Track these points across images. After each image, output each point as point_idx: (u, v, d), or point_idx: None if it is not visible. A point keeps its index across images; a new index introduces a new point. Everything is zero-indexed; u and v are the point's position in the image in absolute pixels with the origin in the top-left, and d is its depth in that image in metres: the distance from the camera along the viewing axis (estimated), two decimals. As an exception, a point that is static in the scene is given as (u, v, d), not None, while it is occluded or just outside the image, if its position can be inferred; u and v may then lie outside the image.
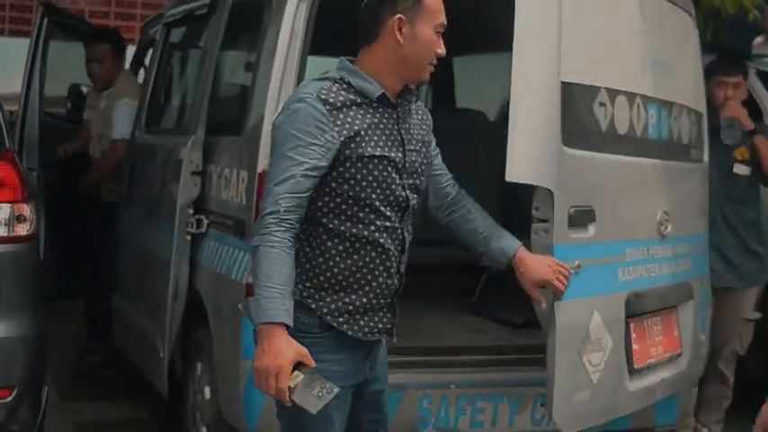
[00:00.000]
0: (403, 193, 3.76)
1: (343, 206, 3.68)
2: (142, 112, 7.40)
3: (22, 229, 5.22)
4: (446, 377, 5.22)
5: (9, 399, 5.12)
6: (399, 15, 3.67)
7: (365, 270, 3.72)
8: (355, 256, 3.70)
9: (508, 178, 4.36)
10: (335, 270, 3.71)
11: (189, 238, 5.71)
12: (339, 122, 3.63)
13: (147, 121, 7.37)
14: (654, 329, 5.16)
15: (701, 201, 5.59)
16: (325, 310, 3.72)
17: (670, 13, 5.31)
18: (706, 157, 5.74)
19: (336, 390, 3.48)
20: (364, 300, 3.74)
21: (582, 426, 4.68)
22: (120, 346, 7.34)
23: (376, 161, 3.67)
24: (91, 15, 12.06)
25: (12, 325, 5.17)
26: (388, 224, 3.73)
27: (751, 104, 7.50)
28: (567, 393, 4.54)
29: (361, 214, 3.68)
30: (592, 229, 4.61)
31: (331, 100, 3.63)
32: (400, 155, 3.74)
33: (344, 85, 3.68)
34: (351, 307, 3.72)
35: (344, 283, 3.71)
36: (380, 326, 3.83)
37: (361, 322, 3.76)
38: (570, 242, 4.50)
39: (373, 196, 3.69)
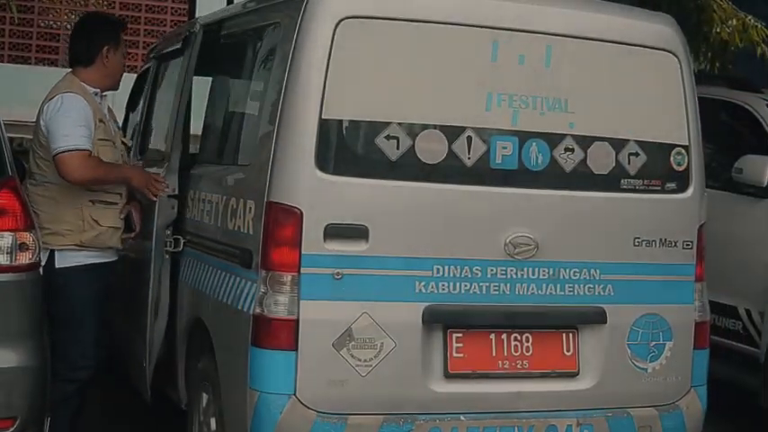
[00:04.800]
0: None
1: None
2: (137, 140, 7.47)
3: (25, 258, 5.20)
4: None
5: (11, 429, 5.09)
6: None
7: None
8: None
9: (268, 199, 5.02)
10: None
11: (167, 256, 5.99)
12: None
13: (140, 148, 7.44)
14: (510, 344, 5.35)
15: (642, 230, 5.60)
16: None
17: (599, 52, 5.52)
18: (690, 189, 5.74)
19: None
20: None
21: (349, 409, 5.06)
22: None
23: None
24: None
25: (15, 355, 5.14)
26: None
27: (762, 136, 7.53)
28: (315, 378, 5.01)
29: None
30: (364, 243, 5.02)
31: None
32: None
33: None
34: None
35: None
36: None
37: None
38: (327, 252, 4.99)
39: None
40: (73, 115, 5.94)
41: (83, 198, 6.04)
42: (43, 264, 5.57)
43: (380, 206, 5.10)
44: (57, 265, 5.92)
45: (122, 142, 6.45)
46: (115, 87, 6.43)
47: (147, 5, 12.72)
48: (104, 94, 6.33)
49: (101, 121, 6.12)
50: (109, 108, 6.43)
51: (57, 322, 5.85)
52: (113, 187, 6.15)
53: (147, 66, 8.11)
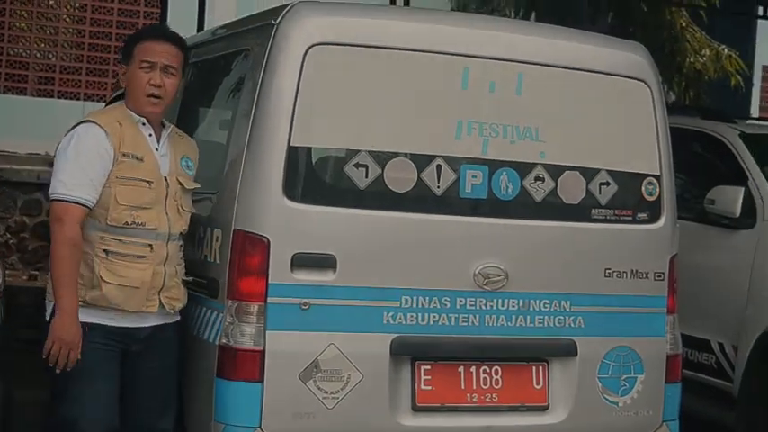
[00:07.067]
0: None
1: None
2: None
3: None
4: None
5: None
6: None
7: None
8: None
9: (235, 227, 4.96)
10: None
11: None
12: None
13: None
14: (479, 376, 5.30)
15: (613, 260, 5.54)
16: None
17: (570, 80, 5.49)
18: (662, 219, 5.69)
19: None
20: None
21: None
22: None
23: None
24: (62, 71, 11.97)
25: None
26: None
27: (735, 167, 7.49)
28: (281, 411, 4.94)
29: None
30: (332, 273, 4.97)
31: None
32: None
33: None
34: None
35: None
36: None
37: None
38: (294, 282, 4.93)
39: None
40: (71, 155, 4.92)
41: (95, 245, 4.94)
42: (48, 317, 4.91)
43: (349, 235, 5.04)
44: None
45: (178, 181, 5.15)
46: (141, 113, 5.11)
47: (118, 13, 12.68)
48: (162, 121, 5.24)
49: (125, 155, 4.96)
50: (181, 140, 5.35)
51: (54, 394, 4.95)
52: (140, 234, 4.97)
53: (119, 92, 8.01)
